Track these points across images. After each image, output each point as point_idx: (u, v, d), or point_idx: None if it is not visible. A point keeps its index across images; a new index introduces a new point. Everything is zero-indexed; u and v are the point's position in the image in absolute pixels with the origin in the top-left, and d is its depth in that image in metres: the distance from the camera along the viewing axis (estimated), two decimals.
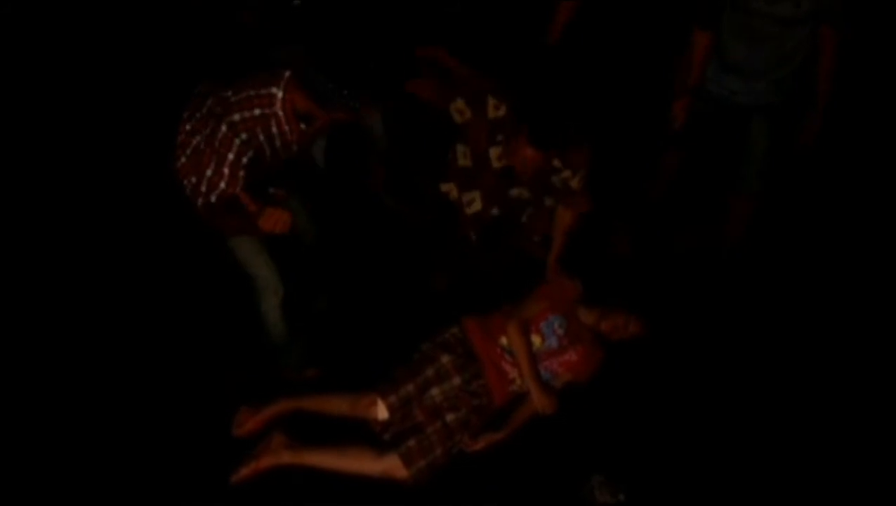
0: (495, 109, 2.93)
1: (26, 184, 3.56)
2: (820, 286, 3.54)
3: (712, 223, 3.62)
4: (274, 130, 2.63)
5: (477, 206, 3.10)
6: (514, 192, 3.06)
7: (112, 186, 3.62)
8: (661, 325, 3.02)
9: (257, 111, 2.58)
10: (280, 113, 2.60)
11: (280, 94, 2.58)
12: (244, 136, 2.59)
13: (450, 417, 2.79)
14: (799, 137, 3.22)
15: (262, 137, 2.63)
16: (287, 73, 2.59)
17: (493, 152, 2.98)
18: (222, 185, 2.61)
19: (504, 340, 2.89)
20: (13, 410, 2.90)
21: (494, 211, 3.12)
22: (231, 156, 2.59)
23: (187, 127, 2.70)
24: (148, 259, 3.39)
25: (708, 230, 3.64)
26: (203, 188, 2.62)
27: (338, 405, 2.86)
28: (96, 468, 2.78)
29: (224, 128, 2.57)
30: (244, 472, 2.73)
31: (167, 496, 2.72)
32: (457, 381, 2.84)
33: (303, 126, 2.68)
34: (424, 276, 3.36)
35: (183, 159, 2.70)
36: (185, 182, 2.71)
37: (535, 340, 2.89)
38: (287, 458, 2.74)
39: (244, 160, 2.62)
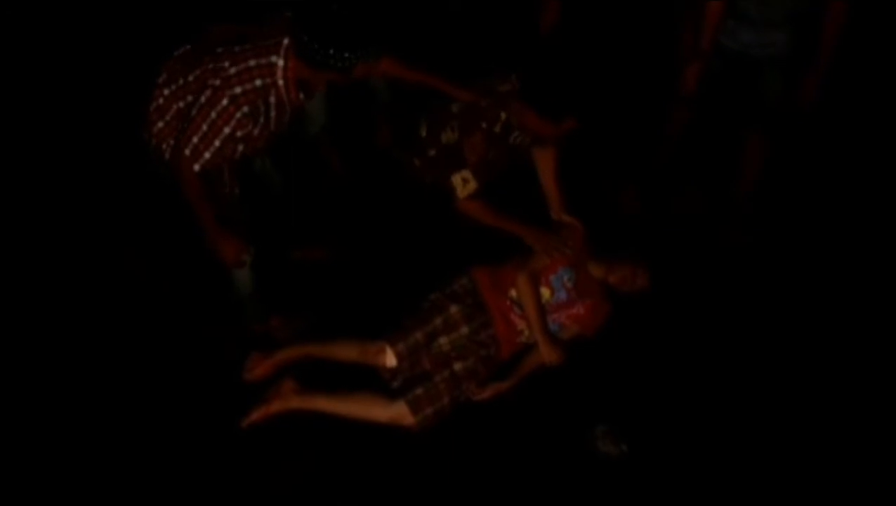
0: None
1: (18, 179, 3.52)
2: (826, 248, 3.54)
3: (720, 184, 3.60)
4: (272, 99, 2.53)
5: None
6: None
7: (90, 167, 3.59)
8: (668, 280, 3.03)
9: (258, 82, 2.47)
10: (281, 83, 2.49)
11: (281, 63, 2.47)
12: (246, 109, 2.48)
13: (457, 366, 2.82)
14: (799, 90, 3.20)
15: (261, 109, 2.53)
16: (286, 41, 2.46)
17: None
18: (207, 155, 2.51)
19: (513, 292, 2.90)
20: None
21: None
22: (227, 129, 2.49)
23: (165, 92, 2.63)
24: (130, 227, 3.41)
25: (715, 193, 3.63)
26: (187, 152, 2.51)
27: (347, 352, 2.89)
28: (102, 417, 2.82)
29: (225, 101, 2.46)
30: (254, 416, 2.77)
31: (179, 441, 2.77)
32: (465, 330, 2.86)
33: (301, 95, 2.59)
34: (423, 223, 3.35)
35: (160, 124, 2.64)
36: (164, 145, 2.65)
37: (545, 292, 2.90)
38: (296, 403, 2.78)
39: (239, 134, 2.53)
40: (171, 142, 2.62)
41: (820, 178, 3.78)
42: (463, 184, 2.88)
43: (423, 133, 2.99)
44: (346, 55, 2.38)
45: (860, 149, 3.85)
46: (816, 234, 3.58)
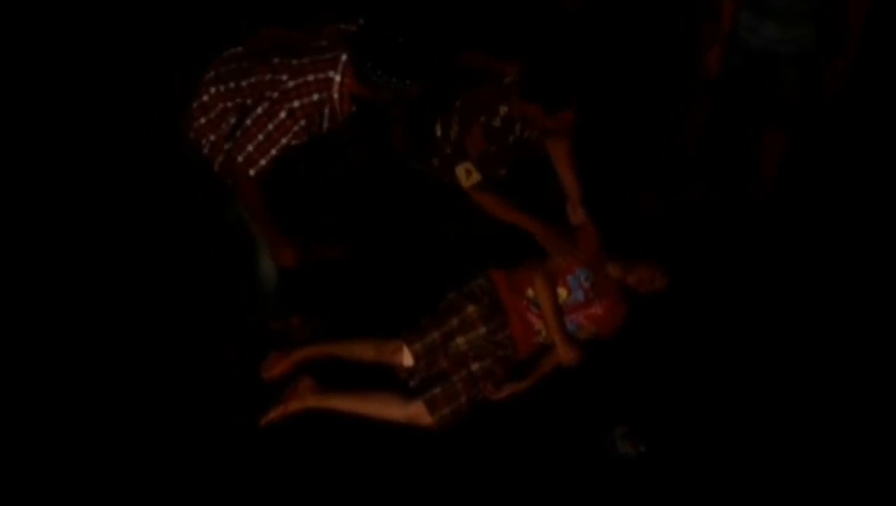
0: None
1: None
2: (841, 249, 3.50)
3: (737, 179, 3.58)
4: (326, 111, 2.59)
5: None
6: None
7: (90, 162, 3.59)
8: (686, 280, 3.01)
9: (315, 96, 2.53)
10: (336, 97, 2.56)
11: (338, 79, 2.54)
12: (303, 122, 2.55)
13: (475, 366, 2.82)
14: (825, 81, 3.16)
15: (317, 121, 2.60)
16: (343, 57, 2.53)
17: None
18: (262, 162, 2.57)
19: (530, 293, 2.90)
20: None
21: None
22: (284, 140, 2.55)
23: (212, 90, 2.67)
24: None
25: (732, 187, 3.61)
26: (240, 159, 2.57)
27: (364, 351, 2.90)
28: (104, 418, 2.82)
29: (283, 114, 2.52)
30: (272, 415, 2.78)
31: (180, 441, 2.77)
32: (482, 330, 2.86)
33: (353, 108, 2.64)
34: (439, 223, 3.34)
35: (202, 120, 2.69)
36: (203, 140, 2.70)
37: (562, 292, 2.89)
38: (314, 402, 2.79)
39: (294, 144, 2.59)
40: (212, 138, 2.69)
41: (832, 177, 3.72)
42: (466, 175, 2.89)
43: (439, 132, 3.00)
44: (407, 82, 2.48)
45: (875, 148, 3.81)
46: (831, 235, 3.54)
